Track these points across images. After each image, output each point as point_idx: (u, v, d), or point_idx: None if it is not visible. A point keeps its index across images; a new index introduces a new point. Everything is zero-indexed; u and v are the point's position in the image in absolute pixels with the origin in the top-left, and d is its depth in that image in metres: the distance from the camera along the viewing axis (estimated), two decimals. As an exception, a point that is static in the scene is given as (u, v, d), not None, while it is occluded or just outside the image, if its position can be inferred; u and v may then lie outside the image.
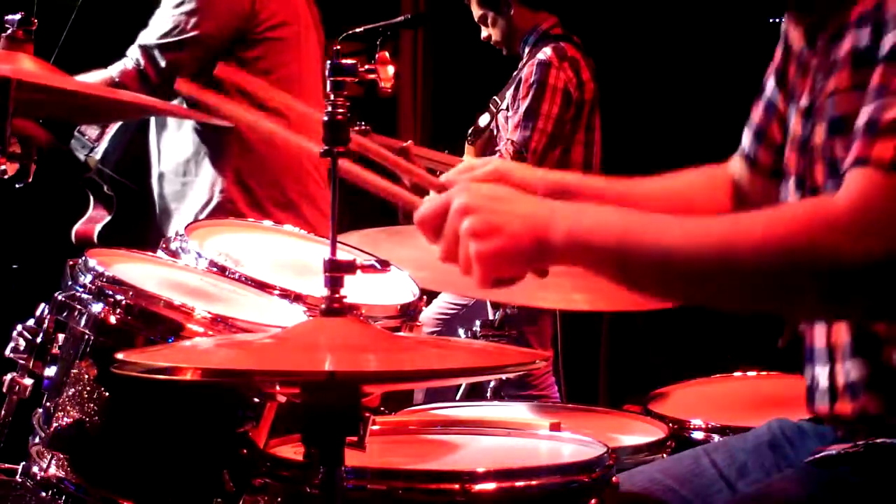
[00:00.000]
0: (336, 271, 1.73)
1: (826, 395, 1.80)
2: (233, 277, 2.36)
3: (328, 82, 1.74)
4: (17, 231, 4.52)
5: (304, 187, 3.71)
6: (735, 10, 6.13)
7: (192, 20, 3.53)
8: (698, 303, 1.66)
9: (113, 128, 3.90)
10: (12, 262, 4.75)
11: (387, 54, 1.87)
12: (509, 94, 4.82)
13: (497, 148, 4.81)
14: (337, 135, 1.74)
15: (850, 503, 1.74)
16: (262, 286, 2.33)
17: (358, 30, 4.82)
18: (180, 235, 2.46)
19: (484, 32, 4.93)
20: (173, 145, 3.72)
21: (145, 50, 3.55)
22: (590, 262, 1.69)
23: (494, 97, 4.92)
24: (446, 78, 6.58)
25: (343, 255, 1.76)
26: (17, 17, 2.66)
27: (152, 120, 3.80)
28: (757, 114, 2.01)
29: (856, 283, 1.52)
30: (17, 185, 2.94)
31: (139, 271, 2.31)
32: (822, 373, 1.81)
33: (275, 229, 2.89)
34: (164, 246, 2.46)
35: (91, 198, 3.87)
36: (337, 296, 1.73)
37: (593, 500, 1.88)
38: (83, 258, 2.20)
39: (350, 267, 1.74)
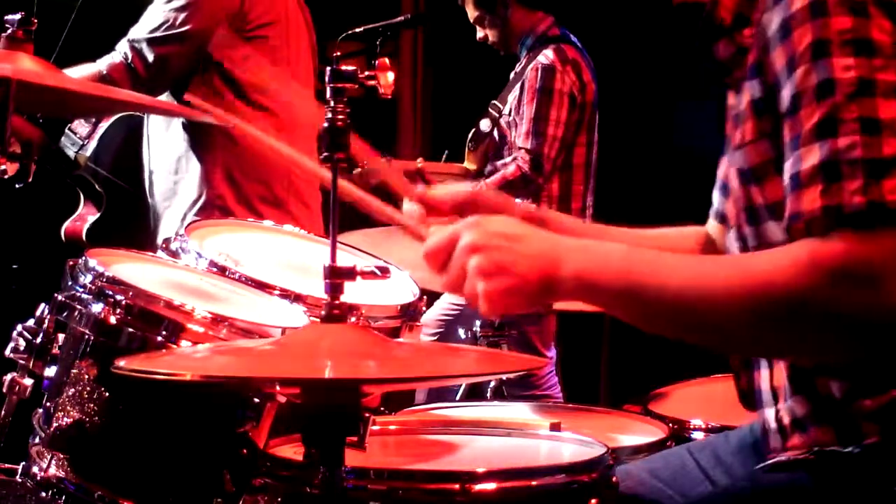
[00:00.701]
0: (336, 278, 1.73)
1: (778, 435, 1.82)
2: (233, 277, 2.36)
3: (328, 89, 1.74)
4: (17, 231, 4.52)
5: (291, 184, 3.72)
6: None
7: (182, 16, 3.54)
8: (707, 345, 1.68)
9: (103, 126, 3.90)
10: (12, 262, 4.74)
11: (387, 60, 1.87)
12: (511, 98, 4.80)
13: (504, 154, 4.80)
14: (337, 141, 1.74)
15: None
16: (262, 286, 2.33)
17: (358, 30, 4.82)
18: (180, 235, 2.46)
19: (479, 33, 4.92)
20: (164, 143, 3.72)
21: (134, 44, 3.55)
22: (597, 303, 1.72)
23: (494, 101, 4.89)
24: (446, 78, 6.57)
25: (343, 258, 1.77)
26: (17, 17, 2.65)
27: (145, 119, 3.80)
28: (721, 169, 2.04)
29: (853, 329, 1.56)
30: (17, 185, 2.94)
31: (139, 271, 2.31)
32: (770, 415, 1.84)
33: (275, 229, 2.89)
34: (164, 246, 2.46)
35: (81, 196, 3.86)
36: (337, 302, 1.73)
37: (593, 500, 1.88)
38: (83, 258, 2.20)
39: (350, 273, 1.74)
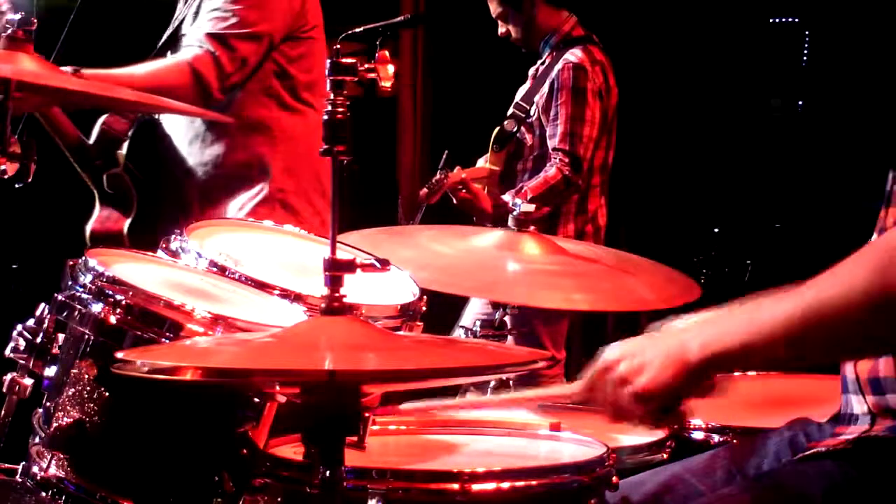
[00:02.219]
0: (336, 270, 1.73)
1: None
2: (233, 277, 2.36)
3: (328, 82, 1.74)
4: (17, 231, 4.52)
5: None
6: (736, 10, 6.14)
7: (257, 15, 3.60)
8: (851, 356, 1.81)
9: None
10: (12, 262, 4.74)
11: (387, 53, 1.87)
12: (537, 98, 4.77)
13: (524, 153, 4.78)
14: (337, 134, 1.74)
15: (833, 497, 1.78)
16: (262, 286, 2.33)
17: (358, 30, 4.82)
18: (180, 235, 2.46)
19: (501, 29, 4.88)
20: (206, 140, 3.73)
21: (218, 38, 3.57)
22: (728, 365, 1.84)
23: (519, 102, 4.85)
24: (446, 78, 6.58)
25: (343, 254, 1.77)
26: (17, 17, 2.65)
27: (168, 118, 3.80)
28: None
29: None
30: (16, 185, 2.94)
31: (139, 271, 2.31)
32: None
33: (275, 229, 2.88)
34: (164, 246, 2.46)
35: (97, 196, 3.84)
36: (337, 295, 1.73)
37: (593, 500, 1.88)
38: (83, 258, 2.20)
39: (350, 266, 1.74)
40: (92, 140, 3.77)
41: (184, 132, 3.77)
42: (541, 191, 4.57)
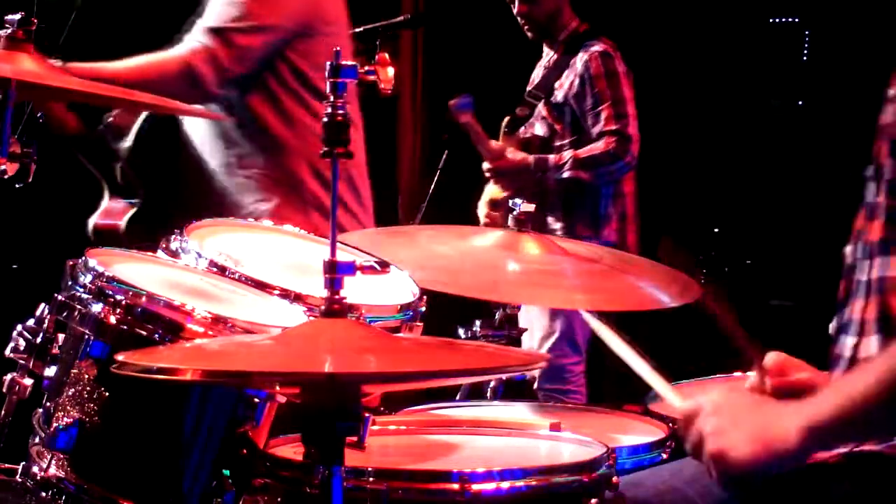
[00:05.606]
0: (335, 273, 1.73)
1: (846, 365, 1.86)
2: (233, 277, 2.36)
3: (328, 84, 1.74)
4: (17, 231, 4.51)
5: (350, 179, 3.73)
6: (736, 10, 6.14)
7: (265, 8, 3.52)
8: None
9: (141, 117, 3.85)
10: (12, 262, 4.74)
11: (387, 55, 1.87)
12: (567, 87, 4.81)
13: (554, 141, 4.81)
14: (337, 136, 1.74)
15: None
16: (262, 286, 2.33)
17: (358, 30, 4.81)
18: (180, 235, 2.46)
19: (517, 6, 4.90)
20: (226, 138, 3.69)
21: (217, 32, 3.49)
22: (827, 441, 1.76)
23: (531, 90, 4.91)
24: (446, 78, 6.58)
25: (343, 256, 1.77)
26: (17, 17, 2.65)
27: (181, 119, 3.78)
28: None
29: None
30: (17, 185, 2.94)
31: (139, 271, 2.31)
32: (849, 343, 1.88)
33: (275, 229, 2.88)
34: (164, 246, 2.46)
35: (106, 190, 3.79)
36: (337, 297, 1.73)
37: (593, 500, 1.88)
38: (83, 258, 2.20)
39: (350, 268, 1.74)
40: (97, 130, 3.73)
41: (207, 130, 3.72)
42: (586, 155, 4.65)
